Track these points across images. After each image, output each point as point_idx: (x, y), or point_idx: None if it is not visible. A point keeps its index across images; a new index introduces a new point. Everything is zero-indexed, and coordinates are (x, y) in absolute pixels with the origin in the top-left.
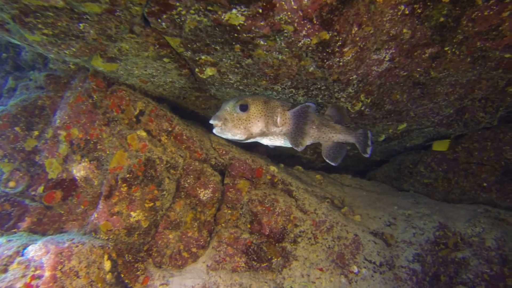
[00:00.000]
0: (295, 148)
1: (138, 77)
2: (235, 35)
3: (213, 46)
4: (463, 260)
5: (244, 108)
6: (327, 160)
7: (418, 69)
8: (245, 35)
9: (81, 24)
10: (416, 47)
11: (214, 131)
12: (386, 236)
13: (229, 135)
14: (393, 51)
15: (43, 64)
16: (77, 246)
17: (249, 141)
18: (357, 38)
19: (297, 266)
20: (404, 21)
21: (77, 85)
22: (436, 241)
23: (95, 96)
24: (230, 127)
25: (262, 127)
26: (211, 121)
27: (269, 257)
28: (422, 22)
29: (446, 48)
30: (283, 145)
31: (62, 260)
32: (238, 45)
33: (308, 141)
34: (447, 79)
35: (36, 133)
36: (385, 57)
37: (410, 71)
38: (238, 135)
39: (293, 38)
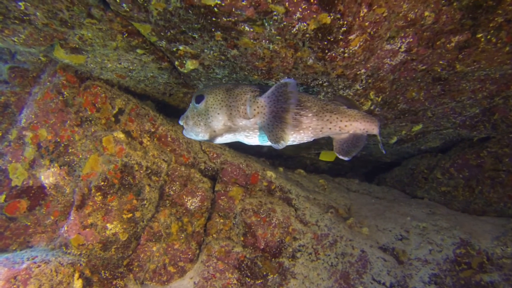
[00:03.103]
0: (274, 146)
1: (113, 71)
2: (213, 19)
3: (190, 34)
4: (491, 285)
5: (200, 100)
6: (340, 156)
7: (441, 62)
8: (225, 19)
9: (20, 3)
10: (440, 35)
11: (183, 132)
12: (398, 252)
13: (192, 135)
14: (411, 40)
15: (11, 55)
16: (38, 267)
17: (220, 140)
18: (366, 23)
19: (295, 285)
20: (427, 1)
21: (46, 80)
22: (457, 260)
23: (66, 93)
24: (191, 126)
25: (225, 120)
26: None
27: (265, 273)
28: (450, 2)
29: (479, 35)
30: (259, 143)
31: (15, 287)
32: (218, 33)
33: (290, 135)
34: (476, 73)
35: None
36: (400, 48)
37: (430, 65)
38: (200, 134)
39: (285, 23)
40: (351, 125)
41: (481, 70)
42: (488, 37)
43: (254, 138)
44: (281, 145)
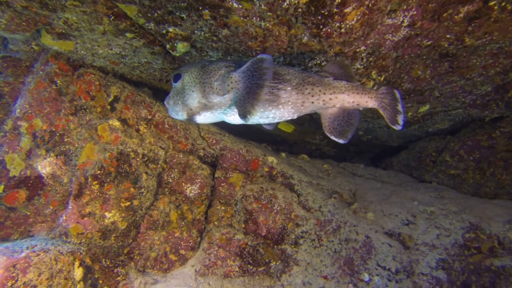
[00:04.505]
0: (242, 120)
1: (105, 57)
2: None
3: (177, 14)
4: (502, 269)
5: (177, 78)
6: (332, 137)
7: (448, 36)
8: None
9: None
10: (447, 6)
11: (168, 112)
12: (404, 237)
13: (174, 115)
14: (414, 12)
15: (3, 44)
16: (37, 255)
17: (200, 119)
18: None
19: (298, 272)
20: None
21: (38, 68)
22: (466, 244)
23: (59, 81)
24: (171, 105)
25: (199, 98)
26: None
27: (267, 260)
28: None
29: (492, 3)
30: (238, 121)
31: (14, 275)
32: (206, 11)
33: (258, 110)
34: (487, 47)
35: None
36: (403, 22)
37: (436, 40)
38: (179, 112)
39: None
40: (337, 98)
41: (493, 43)
42: (503, 4)
43: (233, 116)
44: (248, 119)
